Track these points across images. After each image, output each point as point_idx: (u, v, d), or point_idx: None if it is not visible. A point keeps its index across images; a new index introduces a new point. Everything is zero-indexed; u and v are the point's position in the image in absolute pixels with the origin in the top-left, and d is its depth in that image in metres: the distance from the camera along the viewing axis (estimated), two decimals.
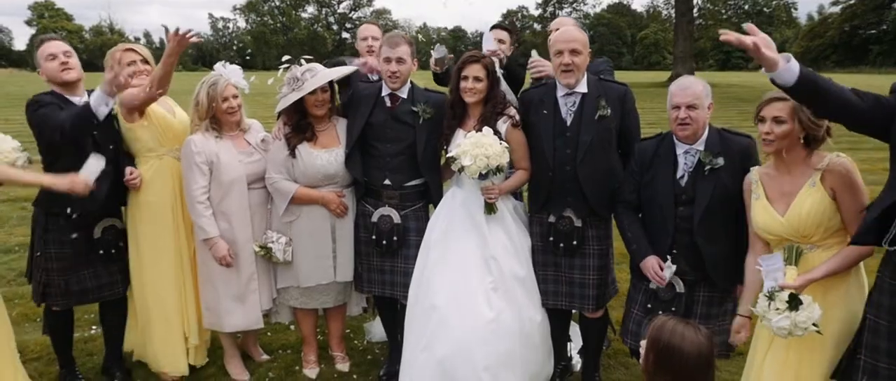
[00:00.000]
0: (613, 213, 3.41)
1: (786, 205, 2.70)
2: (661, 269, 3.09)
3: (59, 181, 3.11)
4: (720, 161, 3.01)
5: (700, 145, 3.06)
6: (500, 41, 4.08)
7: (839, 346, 2.61)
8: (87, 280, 3.59)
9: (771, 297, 2.54)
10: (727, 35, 2.21)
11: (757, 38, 2.19)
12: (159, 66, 3.36)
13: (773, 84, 2.28)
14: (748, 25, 2.25)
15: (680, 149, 3.11)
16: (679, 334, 2.13)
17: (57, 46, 3.47)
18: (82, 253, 3.54)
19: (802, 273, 2.59)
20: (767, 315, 2.53)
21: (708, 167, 3.02)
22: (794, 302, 2.48)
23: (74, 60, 3.50)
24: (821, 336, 2.57)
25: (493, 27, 4.23)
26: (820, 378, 2.64)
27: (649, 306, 3.19)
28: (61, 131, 3.24)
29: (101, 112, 3.24)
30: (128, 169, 3.57)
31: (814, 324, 2.47)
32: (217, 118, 3.61)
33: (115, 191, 3.57)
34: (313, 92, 3.55)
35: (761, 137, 2.72)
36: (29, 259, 3.66)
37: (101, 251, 3.59)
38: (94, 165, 3.17)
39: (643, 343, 2.25)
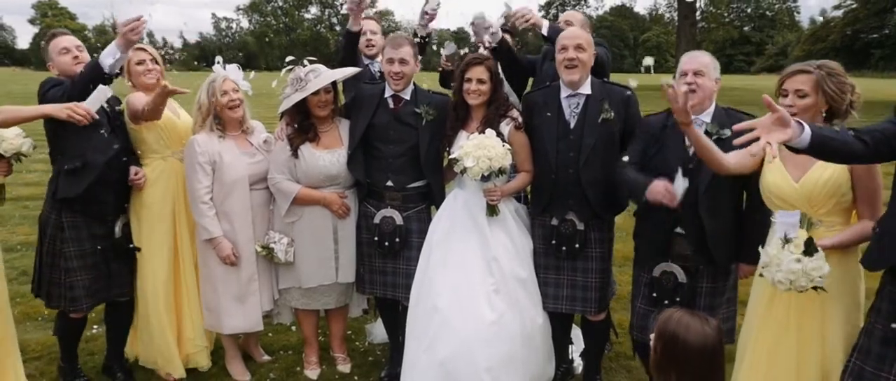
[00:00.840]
0: (615, 174, 3.28)
1: (801, 173, 2.68)
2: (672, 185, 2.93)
3: (58, 109, 3.10)
4: (727, 132, 3.01)
5: (706, 117, 3.08)
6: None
7: (839, 328, 2.63)
8: (113, 277, 3.59)
9: (787, 240, 2.48)
10: (741, 139, 2.23)
11: (770, 126, 2.19)
12: (149, 101, 3.39)
13: (786, 147, 2.29)
14: (766, 99, 2.23)
15: None
16: (684, 325, 2.11)
17: (70, 41, 3.49)
18: (103, 250, 3.53)
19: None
20: (778, 257, 2.47)
21: (715, 138, 3.04)
22: (809, 248, 2.43)
23: (85, 54, 3.51)
24: (819, 327, 2.60)
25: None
26: (818, 359, 2.64)
27: (654, 295, 3.18)
28: (71, 86, 3.23)
29: (107, 63, 3.19)
30: (133, 169, 3.57)
31: (820, 277, 2.43)
32: (220, 116, 3.62)
33: (123, 190, 3.58)
34: (316, 92, 3.55)
35: None
36: (37, 268, 3.58)
37: (130, 246, 3.59)
38: (99, 94, 3.14)
39: (653, 336, 2.23)
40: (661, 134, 3.16)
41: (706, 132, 3.06)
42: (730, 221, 3.09)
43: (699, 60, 3.06)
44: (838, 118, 2.68)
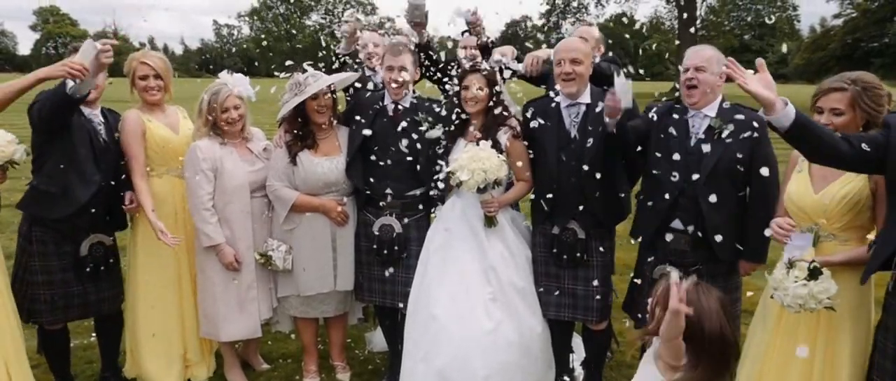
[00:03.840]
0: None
1: (823, 185, 2.69)
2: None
3: (55, 69, 2.91)
4: (731, 127, 3.03)
5: (710, 111, 3.09)
6: (464, 47, 4.14)
7: (852, 344, 2.64)
8: (74, 297, 3.49)
9: (791, 266, 2.52)
10: (732, 67, 2.30)
11: (756, 79, 2.25)
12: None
13: (769, 127, 2.34)
14: (759, 62, 2.30)
15: (689, 113, 3.14)
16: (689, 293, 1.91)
17: None
18: (69, 269, 3.45)
19: (820, 255, 2.60)
20: (784, 284, 2.50)
21: (718, 132, 3.05)
22: (814, 272, 2.47)
23: (99, 78, 3.43)
24: (827, 340, 2.62)
25: (463, 32, 4.24)
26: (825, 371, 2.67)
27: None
28: (39, 107, 3.15)
29: (69, 85, 3.00)
30: (127, 196, 3.56)
31: (829, 298, 2.45)
32: (218, 126, 3.60)
33: (106, 207, 3.51)
34: (315, 97, 3.54)
35: None
36: (14, 273, 3.51)
37: (89, 269, 3.48)
38: (87, 48, 2.92)
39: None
40: (663, 119, 3.18)
41: (709, 127, 3.08)
42: (732, 215, 3.09)
43: (701, 55, 3.08)
44: (875, 129, 2.64)
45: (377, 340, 4.37)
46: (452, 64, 3.81)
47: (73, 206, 3.36)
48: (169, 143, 3.63)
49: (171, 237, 3.41)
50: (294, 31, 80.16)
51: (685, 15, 34.51)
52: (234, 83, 3.59)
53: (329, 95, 3.64)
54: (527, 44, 4.40)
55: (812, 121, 2.28)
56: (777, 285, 2.56)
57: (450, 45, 4.18)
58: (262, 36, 79.29)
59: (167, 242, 3.40)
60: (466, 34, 4.17)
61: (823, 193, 2.67)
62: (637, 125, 3.22)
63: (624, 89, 2.89)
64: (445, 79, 3.80)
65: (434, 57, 3.84)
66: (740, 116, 3.06)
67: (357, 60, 4.24)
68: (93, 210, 3.42)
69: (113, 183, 3.52)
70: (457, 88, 3.46)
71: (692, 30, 33.35)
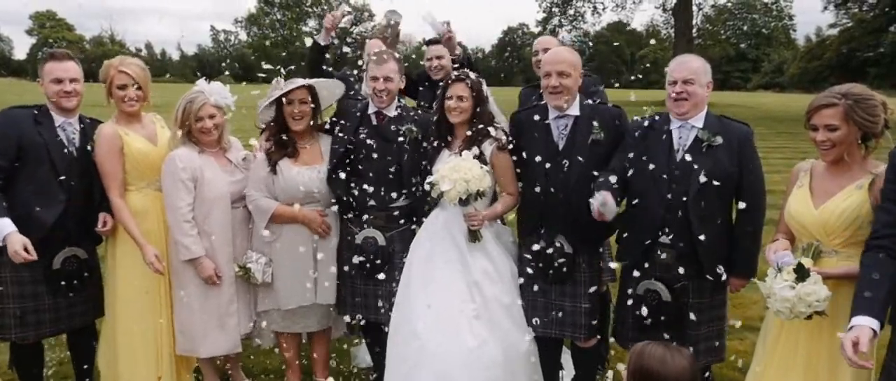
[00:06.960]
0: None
1: (822, 201, 2.66)
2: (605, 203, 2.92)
3: None
4: (719, 140, 2.97)
5: (697, 122, 3.03)
6: (439, 57, 4.13)
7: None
8: (45, 312, 3.37)
9: (779, 270, 2.48)
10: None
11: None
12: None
13: None
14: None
15: (675, 124, 3.08)
16: (659, 358, 2.14)
17: (64, 71, 3.30)
18: (40, 282, 3.33)
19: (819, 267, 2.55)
20: (772, 288, 2.46)
21: (705, 144, 2.98)
22: (801, 272, 2.42)
23: (79, 86, 3.34)
24: (828, 356, 2.55)
25: (430, 42, 4.22)
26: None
27: (637, 313, 3.12)
28: None
29: None
30: (101, 218, 3.46)
31: (818, 301, 2.40)
32: (193, 134, 3.50)
33: (81, 220, 3.40)
34: (290, 103, 3.45)
35: (817, 146, 2.67)
36: None
37: (64, 282, 3.36)
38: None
39: (622, 367, 2.24)
40: (647, 134, 3.12)
41: (696, 139, 3.02)
42: (720, 229, 3.03)
43: (688, 67, 3.01)
44: (876, 139, 2.63)
45: (362, 355, 4.28)
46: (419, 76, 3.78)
47: (40, 230, 3.24)
48: (147, 156, 3.52)
49: (160, 265, 3.37)
50: (292, 35, 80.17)
51: (678, 20, 34.68)
52: (211, 91, 3.47)
53: (308, 102, 3.54)
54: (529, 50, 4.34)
55: (878, 290, 2.27)
56: (767, 291, 2.52)
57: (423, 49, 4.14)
58: (265, 41, 79.30)
59: (157, 269, 3.36)
60: (433, 44, 4.14)
61: (823, 208, 2.63)
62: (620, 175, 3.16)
63: (604, 205, 2.90)
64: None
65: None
66: (727, 129, 3.01)
67: (358, 69, 4.17)
68: (65, 227, 3.32)
69: (90, 196, 3.42)
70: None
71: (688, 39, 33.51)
